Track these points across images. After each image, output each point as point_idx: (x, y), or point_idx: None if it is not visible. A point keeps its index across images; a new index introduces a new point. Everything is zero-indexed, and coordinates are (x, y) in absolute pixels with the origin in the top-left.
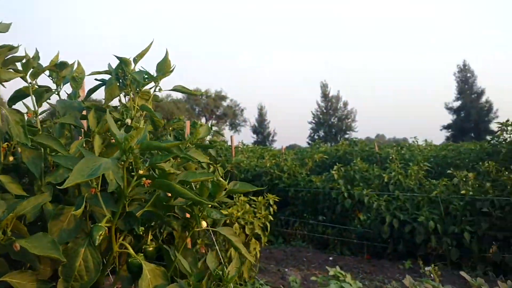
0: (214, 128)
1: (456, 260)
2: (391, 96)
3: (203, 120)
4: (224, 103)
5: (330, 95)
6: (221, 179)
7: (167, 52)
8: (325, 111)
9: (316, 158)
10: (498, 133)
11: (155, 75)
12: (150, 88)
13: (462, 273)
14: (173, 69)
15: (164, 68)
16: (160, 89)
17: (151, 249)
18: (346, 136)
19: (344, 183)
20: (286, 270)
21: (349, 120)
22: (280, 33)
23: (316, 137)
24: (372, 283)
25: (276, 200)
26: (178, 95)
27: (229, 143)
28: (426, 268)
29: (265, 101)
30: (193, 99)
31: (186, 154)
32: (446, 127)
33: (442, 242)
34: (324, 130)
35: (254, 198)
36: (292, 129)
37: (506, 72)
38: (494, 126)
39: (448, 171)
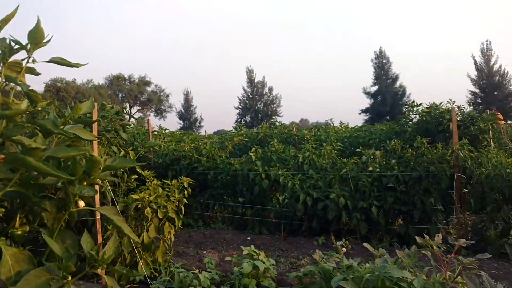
0: (138, 115)
1: (366, 234)
2: (314, 81)
3: (127, 106)
4: (149, 89)
5: (256, 80)
6: (95, 154)
7: (38, 20)
8: (251, 96)
9: (236, 141)
10: (406, 114)
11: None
12: (23, 60)
13: (366, 244)
14: (49, 40)
15: (36, 37)
16: (34, 61)
17: (19, 232)
18: (272, 120)
19: (261, 165)
20: (205, 252)
21: (275, 105)
22: (207, 20)
23: (243, 122)
24: (287, 259)
25: (191, 182)
26: (100, 81)
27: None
28: (338, 243)
29: (191, 86)
30: (115, 85)
31: (62, 130)
32: (364, 111)
33: (352, 217)
34: (251, 115)
35: (168, 182)
36: (219, 115)
37: (418, 59)
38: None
39: (357, 150)
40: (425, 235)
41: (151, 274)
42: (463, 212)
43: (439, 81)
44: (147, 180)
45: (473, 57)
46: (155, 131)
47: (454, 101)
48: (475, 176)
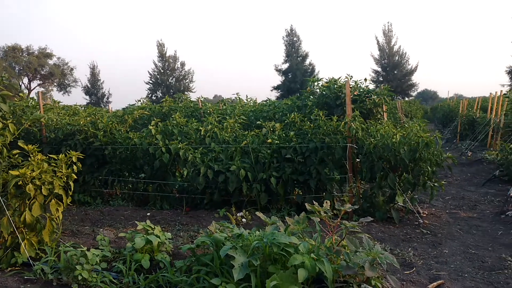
0: (39, 89)
1: (266, 204)
2: (228, 58)
3: (25, 80)
4: (50, 62)
5: (167, 55)
6: None
7: None
8: (162, 71)
9: (136, 114)
10: (308, 89)
11: None
12: None
13: (258, 213)
14: None
15: None
16: None
17: None
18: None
19: (162, 138)
20: (101, 230)
21: (187, 80)
22: None
23: (154, 97)
24: (187, 233)
25: (80, 157)
26: None
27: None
28: (238, 214)
29: (98, 60)
30: (11, 57)
31: None
32: (276, 88)
33: (252, 189)
34: (162, 91)
35: (54, 156)
36: (129, 90)
37: (326, 38)
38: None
39: (258, 122)
40: (314, 202)
41: (36, 255)
42: (355, 180)
43: (346, 59)
44: (31, 155)
45: (376, 38)
46: (47, 104)
47: (351, 76)
48: (365, 146)
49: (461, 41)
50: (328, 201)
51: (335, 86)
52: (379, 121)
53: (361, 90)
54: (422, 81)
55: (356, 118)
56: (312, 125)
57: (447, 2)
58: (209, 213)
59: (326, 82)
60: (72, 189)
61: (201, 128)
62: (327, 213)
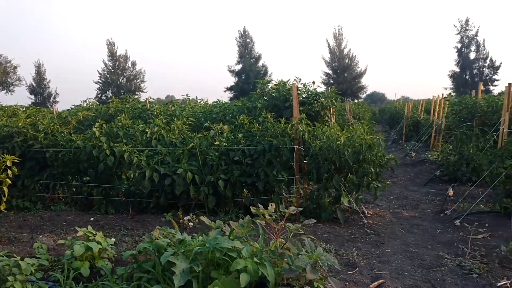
0: None
1: (214, 207)
2: (181, 59)
3: None
4: None
5: (118, 54)
6: None
7: None
8: (112, 70)
9: (80, 116)
10: (258, 91)
11: None
12: None
13: (203, 218)
14: None
15: None
16: None
17: None
18: (136, 97)
19: (106, 141)
20: (41, 237)
21: (138, 80)
22: None
23: (104, 97)
24: (132, 238)
25: (16, 161)
26: None
27: None
28: (186, 218)
29: (44, 58)
30: None
31: None
32: (230, 89)
33: (200, 192)
34: (112, 91)
35: None
36: (79, 90)
37: (280, 40)
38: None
39: (206, 124)
40: (259, 205)
41: None
42: (303, 182)
43: (299, 62)
44: None
45: (327, 41)
46: None
47: (300, 79)
48: (311, 148)
49: (408, 46)
50: (274, 204)
51: (284, 88)
52: (327, 123)
53: (309, 92)
54: (371, 83)
55: (303, 120)
56: (260, 127)
57: (395, 9)
58: (155, 217)
59: (275, 85)
60: (7, 194)
61: (147, 130)
62: (272, 216)
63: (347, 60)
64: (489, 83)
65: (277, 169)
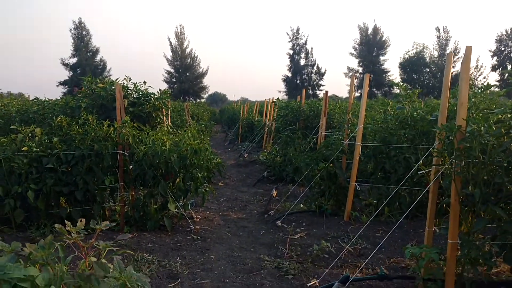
0: None
1: (23, 222)
2: (9, 48)
3: None
4: None
5: None
6: None
7: None
8: None
9: None
10: (82, 88)
11: None
12: None
13: None
14: None
15: None
16: None
17: None
18: None
19: None
20: None
21: None
22: None
23: None
24: None
25: None
26: None
27: None
28: None
29: None
30: None
31: None
32: (63, 83)
33: (4, 205)
34: None
35: None
36: None
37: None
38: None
39: (12, 127)
40: (66, 221)
41: None
42: (128, 189)
43: (141, 59)
44: None
45: (169, 39)
46: None
47: (130, 78)
48: (136, 154)
49: (249, 49)
50: (83, 220)
51: (112, 87)
52: (160, 125)
53: (140, 93)
54: (213, 84)
55: (127, 123)
56: (80, 130)
57: (237, 13)
58: None
59: (102, 83)
60: None
61: None
62: (80, 233)
63: (189, 60)
64: (316, 88)
65: (98, 177)
